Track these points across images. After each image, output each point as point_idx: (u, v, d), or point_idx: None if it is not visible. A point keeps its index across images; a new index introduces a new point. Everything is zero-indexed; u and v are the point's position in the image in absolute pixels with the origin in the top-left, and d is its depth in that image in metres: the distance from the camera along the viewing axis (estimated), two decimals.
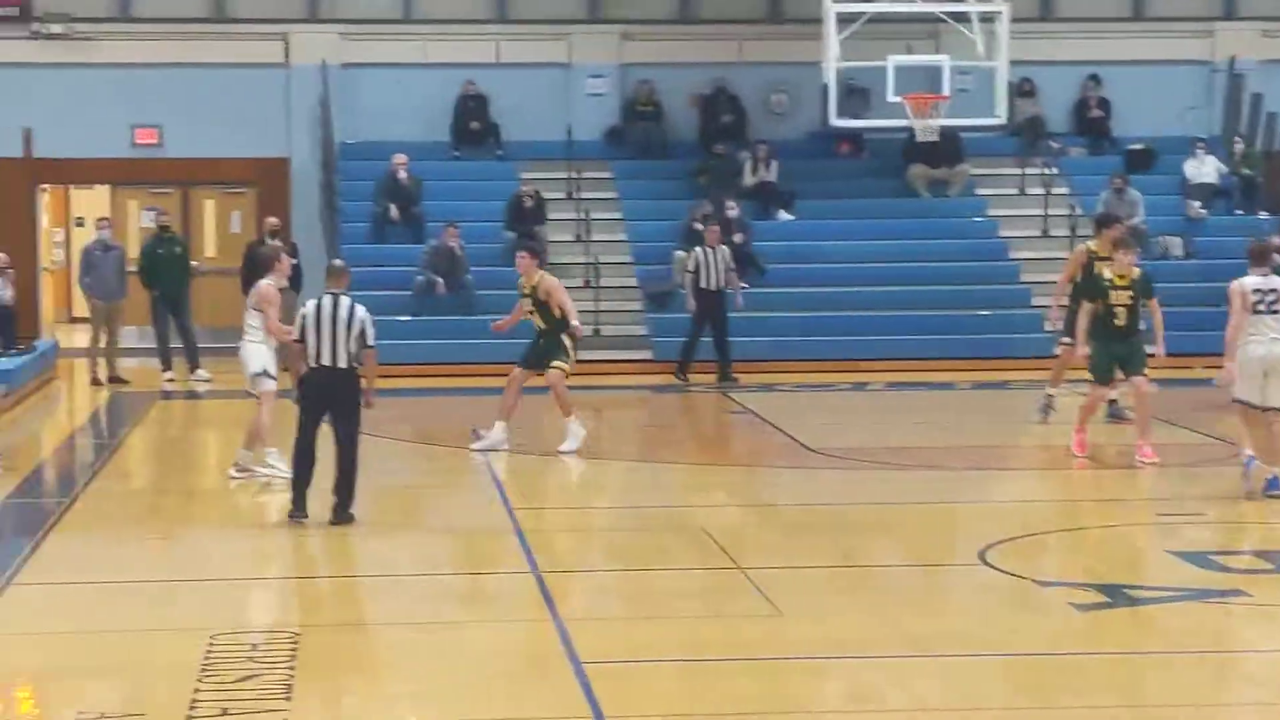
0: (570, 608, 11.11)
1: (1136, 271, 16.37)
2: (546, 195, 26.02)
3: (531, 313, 16.99)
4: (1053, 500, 15.68)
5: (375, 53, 27.81)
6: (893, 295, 25.23)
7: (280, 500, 14.08)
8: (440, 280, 24.50)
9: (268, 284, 15.35)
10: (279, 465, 15.13)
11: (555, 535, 13.95)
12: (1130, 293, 16.16)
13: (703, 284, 22.80)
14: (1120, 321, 16.12)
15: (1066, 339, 18.16)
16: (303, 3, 27.91)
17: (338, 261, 14.46)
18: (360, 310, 13.71)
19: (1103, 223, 18.71)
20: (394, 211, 25.87)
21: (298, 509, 13.68)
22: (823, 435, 18.38)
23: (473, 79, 27.54)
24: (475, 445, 17.30)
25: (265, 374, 15.40)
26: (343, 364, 13.59)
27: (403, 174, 25.99)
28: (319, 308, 13.65)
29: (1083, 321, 16.46)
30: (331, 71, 27.40)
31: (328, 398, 13.67)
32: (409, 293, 24.54)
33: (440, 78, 27.56)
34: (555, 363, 16.89)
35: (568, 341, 16.97)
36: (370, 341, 13.66)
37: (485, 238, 25.31)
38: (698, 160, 27.24)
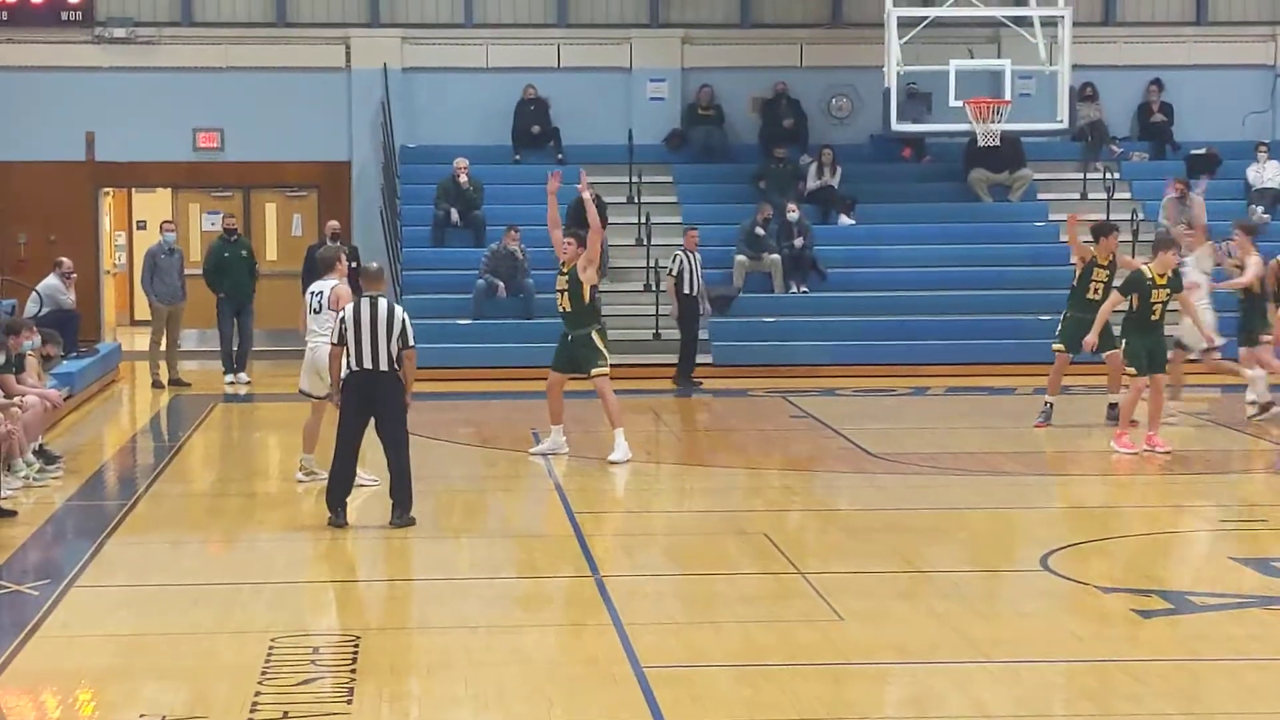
0: (631, 612, 11.11)
1: (1172, 270, 17.07)
2: (607, 199, 26.01)
3: (563, 292, 16.84)
4: (1114, 505, 15.59)
5: (436, 57, 27.93)
6: (954, 300, 25.16)
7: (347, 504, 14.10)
8: (501, 284, 24.56)
9: (343, 285, 15.37)
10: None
11: (615, 539, 13.96)
12: (1168, 290, 16.88)
13: (685, 289, 23.05)
14: (1155, 316, 16.85)
15: (1059, 345, 18.73)
16: (364, 6, 28.04)
17: (374, 264, 14.47)
18: (399, 311, 13.76)
19: (1100, 231, 18.86)
20: (454, 215, 25.96)
21: (336, 515, 13.71)
22: (883, 440, 18.34)
23: (533, 83, 27.62)
24: (535, 449, 17.34)
25: None
26: (384, 366, 13.62)
27: (464, 178, 26.07)
28: (357, 311, 13.69)
29: (1103, 319, 17.41)
30: (392, 75, 27.52)
31: (370, 400, 13.70)
32: (469, 296, 24.60)
33: (501, 82, 27.66)
34: (596, 369, 16.79)
35: (598, 340, 16.83)
36: (410, 342, 13.69)
37: (546, 241, 25.10)
38: (758, 164, 27.23)
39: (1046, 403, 18.93)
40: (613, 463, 16.71)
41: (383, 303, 13.76)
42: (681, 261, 23.23)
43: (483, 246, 25.42)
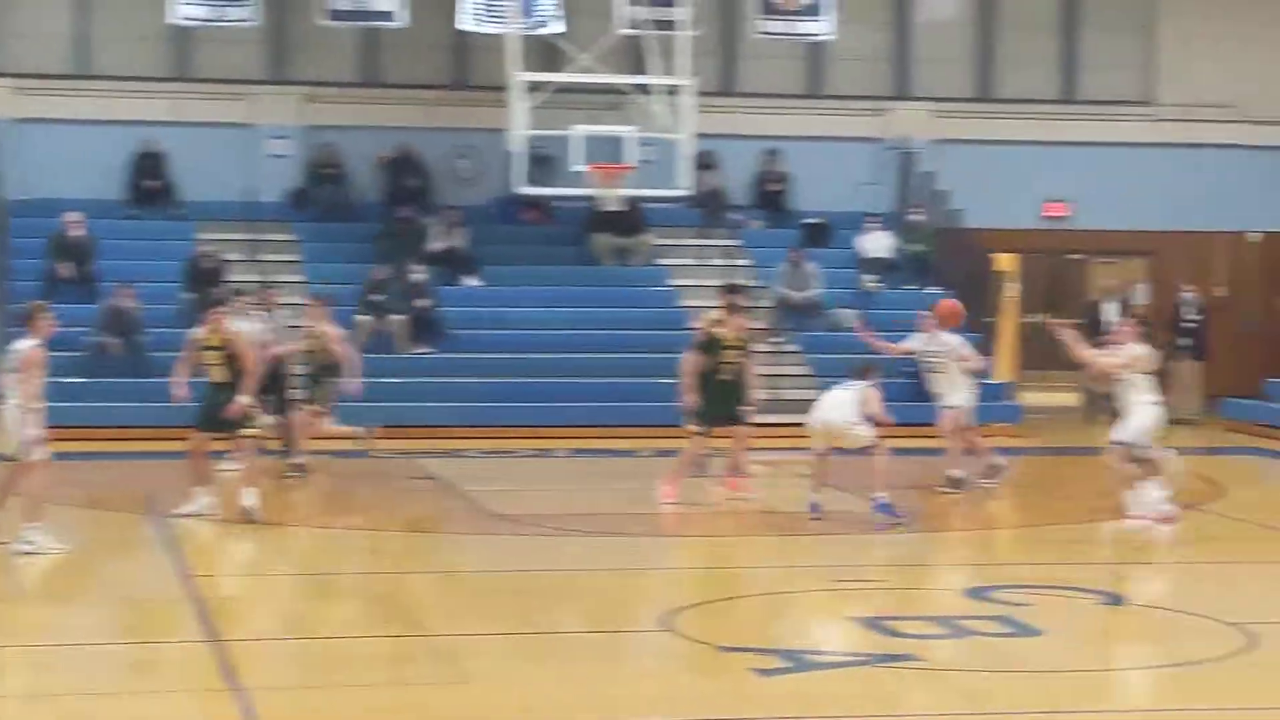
0: (252, 677, 10.87)
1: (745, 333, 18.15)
2: (227, 257, 25.62)
3: (215, 365, 16.80)
4: (736, 566, 15.85)
5: (49, 107, 27.18)
6: (577, 362, 25.37)
7: None
8: (114, 341, 23.92)
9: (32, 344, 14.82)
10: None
11: (235, 603, 13.66)
12: (740, 350, 17.94)
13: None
14: (727, 376, 17.83)
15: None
16: None
17: None
18: None
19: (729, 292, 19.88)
20: (66, 271, 25.22)
21: None
22: (507, 501, 18.35)
23: (150, 136, 27.04)
24: (183, 510, 16.88)
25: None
26: None
27: (76, 232, 25.36)
28: None
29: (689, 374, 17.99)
30: (3, 126, 26.68)
31: None
32: (81, 354, 23.90)
33: (117, 134, 27.06)
34: (248, 429, 16.85)
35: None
36: None
37: (162, 298, 24.81)
38: (382, 224, 27.10)
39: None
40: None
41: None
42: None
43: (95, 303, 24.73)
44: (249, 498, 16.63)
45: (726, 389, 18.04)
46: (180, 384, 17.16)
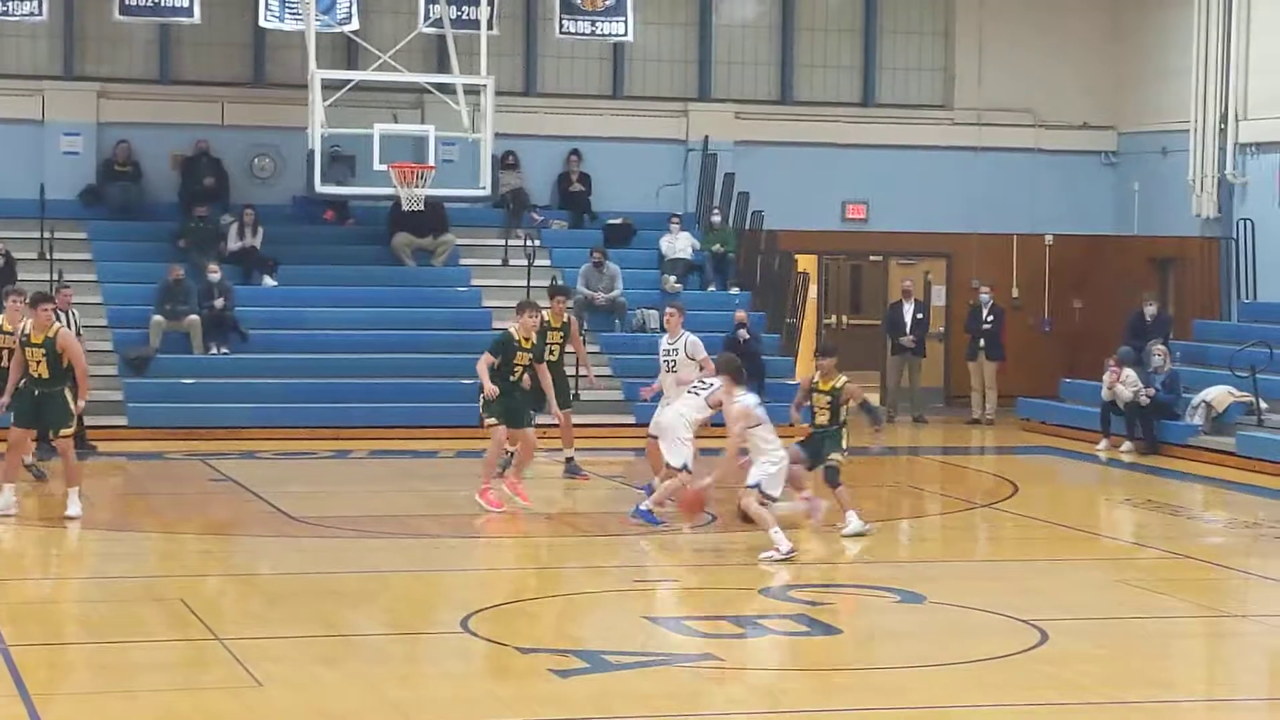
0: (39, 682, 10.62)
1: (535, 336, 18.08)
2: (18, 255, 25.06)
3: (39, 362, 16.69)
4: (534, 567, 15.82)
5: None
6: (377, 363, 25.16)
7: None
8: None
9: None
10: None
11: (21, 607, 13.34)
12: (530, 354, 17.86)
13: None
14: (514, 377, 17.75)
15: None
16: None
17: None
18: None
19: (556, 292, 20.39)
20: None
21: None
22: (305, 503, 18.16)
23: None
24: None
25: None
26: None
27: None
28: None
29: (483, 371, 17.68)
30: None
31: None
32: None
33: None
34: (66, 429, 16.78)
35: (70, 400, 16.74)
36: None
37: None
38: (178, 223, 26.68)
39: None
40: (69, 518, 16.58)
41: None
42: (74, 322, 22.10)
43: None
44: (74, 499, 16.61)
45: (524, 390, 17.95)
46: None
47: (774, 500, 15.49)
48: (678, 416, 17.17)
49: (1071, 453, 24.28)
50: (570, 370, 21.14)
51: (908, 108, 30.30)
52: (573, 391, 21.27)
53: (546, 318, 19.19)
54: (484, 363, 17.72)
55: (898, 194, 29.78)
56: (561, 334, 19.79)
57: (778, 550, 15.04)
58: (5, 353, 17.66)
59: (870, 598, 13.90)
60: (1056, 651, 12.00)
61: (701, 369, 18.37)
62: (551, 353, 19.46)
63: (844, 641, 12.36)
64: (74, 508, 16.66)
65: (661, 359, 19.01)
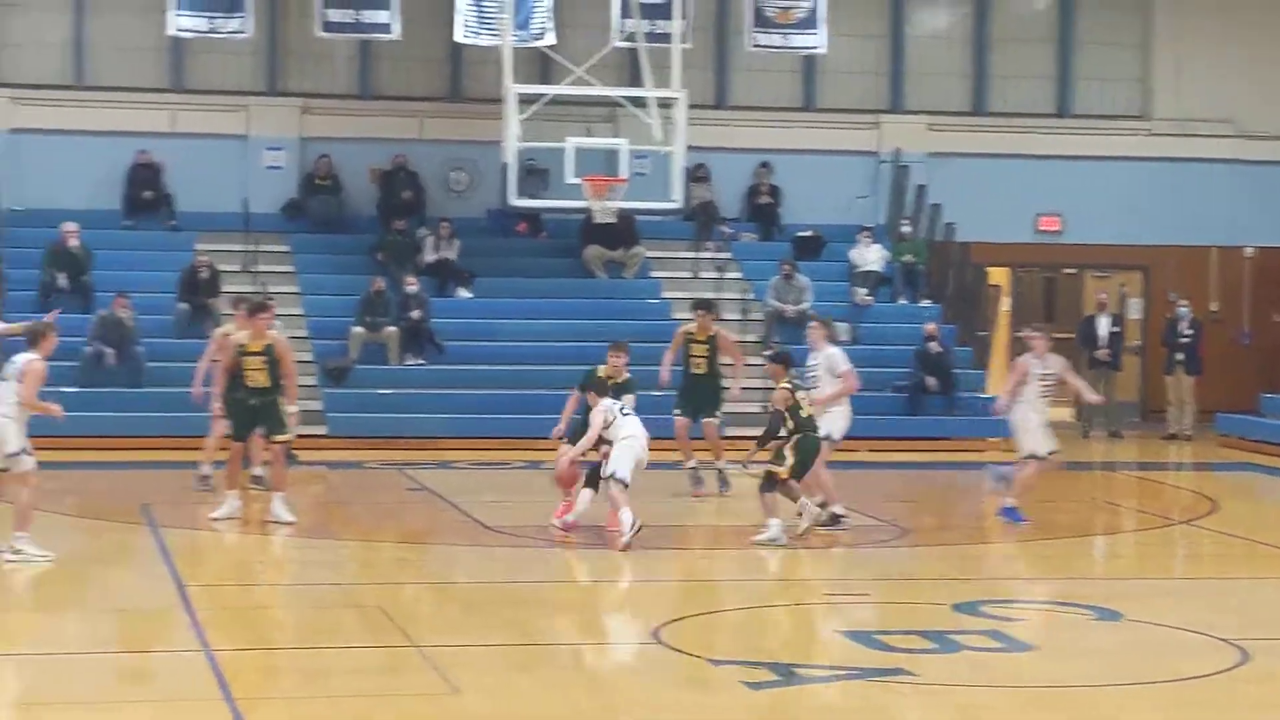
0: (242, 687, 10.88)
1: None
2: (222, 268, 25.66)
3: (256, 370, 17.23)
4: (725, 579, 15.86)
5: (46, 118, 27.19)
6: (569, 374, 25.17)
7: None
8: (109, 351, 23.94)
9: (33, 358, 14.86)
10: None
11: (228, 612, 13.66)
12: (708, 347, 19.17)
13: None
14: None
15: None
16: None
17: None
18: None
19: (699, 306, 20.68)
20: (62, 281, 25.24)
21: None
22: (499, 513, 18.36)
23: (146, 148, 27.08)
24: (216, 514, 17.15)
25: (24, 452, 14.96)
26: None
27: (73, 242, 25.40)
28: None
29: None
30: None
31: None
32: (76, 364, 23.91)
33: (112, 145, 27.11)
34: (281, 435, 17.34)
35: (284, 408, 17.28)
36: None
37: (157, 309, 24.85)
38: (376, 236, 27.13)
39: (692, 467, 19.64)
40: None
41: None
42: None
43: (91, 313, 24.76)
44: (280, 503, 17.05)
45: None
46: (201, 388, 17.92)
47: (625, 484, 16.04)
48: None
49: (1272, 469, 23.85)
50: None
51: (1104, 118, 29.97)
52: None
53: (692, 330, 19.82)
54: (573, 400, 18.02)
55: (1093, 206, 29.46)
56: (707, 347, 19.87)
57: (627, 529, 15.77)
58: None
59: (1065, 614, 13.78)
60: (1259, 671, 11.81)
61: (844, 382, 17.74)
62: (697, 365, 19.84)
63: (1039, 658, 12.26)
64: (281, 513, 17.02)
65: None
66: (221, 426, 17.99)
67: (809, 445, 16.46)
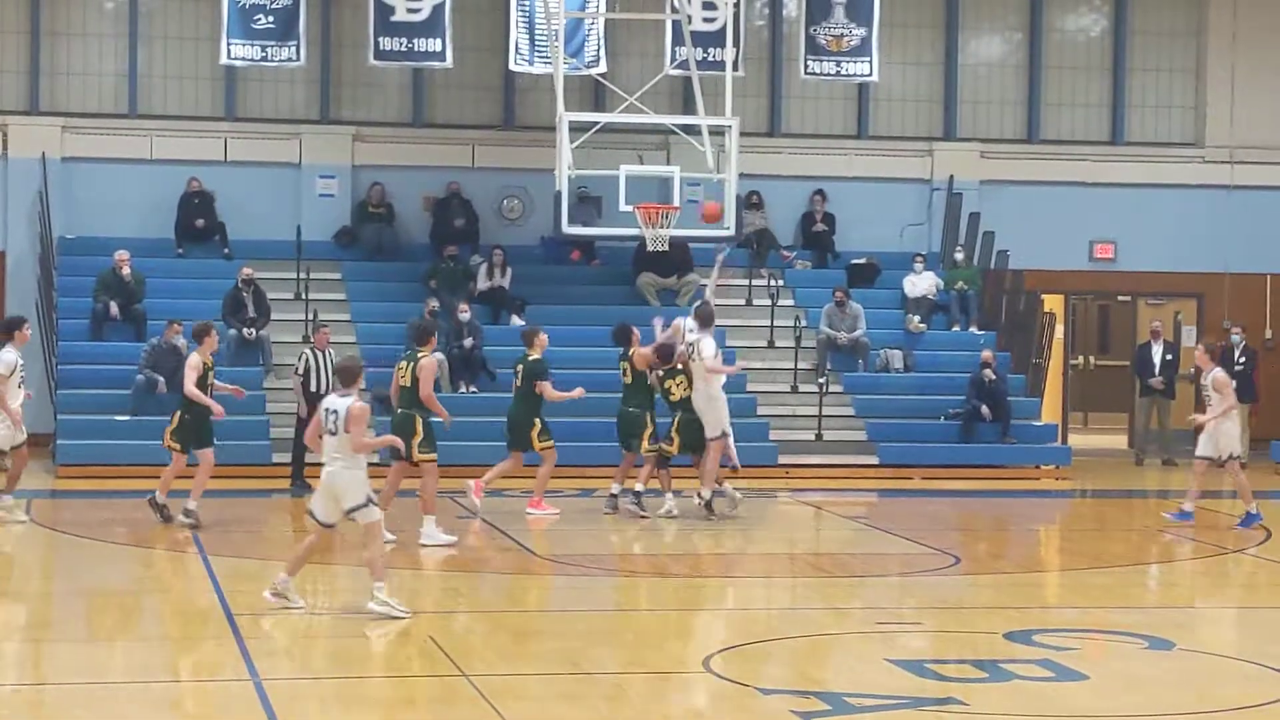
0: (292, 715, 10.88)
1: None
2: (275, 296, 25.73)
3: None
4: (774, 608, 15.81)
5: (98, 146, 27.36)
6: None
7: None
8: (161, 379, 24.02)
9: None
10: None
11: (276, 641, 13.67)
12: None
13: (311, 387, 22.25)
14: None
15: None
16: (23, 93, 27.39)
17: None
18: None
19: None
20: (114, 309, 25.37)
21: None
22: (550, 541, 18.34)
23: (198, 176, 27.22)
24: (426, 540, 17.76)
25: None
26: None
27: (125, 270, 25.53)
28: None
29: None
30: (51, 164, 26.89)
31: None
32: (129, 391, 24.01)
33: (165, 173, 27.24)
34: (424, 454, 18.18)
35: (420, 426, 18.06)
36: None
37: None
38: (429, 263, 27.19)
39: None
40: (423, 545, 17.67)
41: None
42: (309, 360, 22.65)
43: (143, 341, 24.86)
44: (430, 526, 17.76)
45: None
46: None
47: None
48: None
49: None
50: None
51: (1158, 145, 29.84)
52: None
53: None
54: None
55: (1147, 233, 29.33)
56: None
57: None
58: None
59: (1117, 643, 13.67)
60: None
61: None
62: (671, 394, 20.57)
63: (1091, 688, 12.17)
64: (431, 535, 17.73)
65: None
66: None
67: (685, 425, 19.77)
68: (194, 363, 18.79)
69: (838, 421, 25.45)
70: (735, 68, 25.47)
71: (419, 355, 18.04)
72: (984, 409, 25.48)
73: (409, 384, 18.01)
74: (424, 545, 17.56)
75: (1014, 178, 29.20)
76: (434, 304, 25.50)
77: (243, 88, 27.92)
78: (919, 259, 27.97)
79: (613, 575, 16.58)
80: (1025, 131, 29.75)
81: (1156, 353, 27.78)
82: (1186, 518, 20.15)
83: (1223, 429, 20.39)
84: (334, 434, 14.00)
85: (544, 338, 20.27)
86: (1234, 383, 21.09)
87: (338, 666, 12.85)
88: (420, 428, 17.89)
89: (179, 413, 18.99)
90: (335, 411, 14.05)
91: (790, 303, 27.39)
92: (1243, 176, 29.49)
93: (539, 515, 19.90)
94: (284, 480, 22.14)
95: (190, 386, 18.65)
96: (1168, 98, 29.91)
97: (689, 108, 26.37)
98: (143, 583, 16.34)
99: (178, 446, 18.97)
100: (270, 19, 25.36)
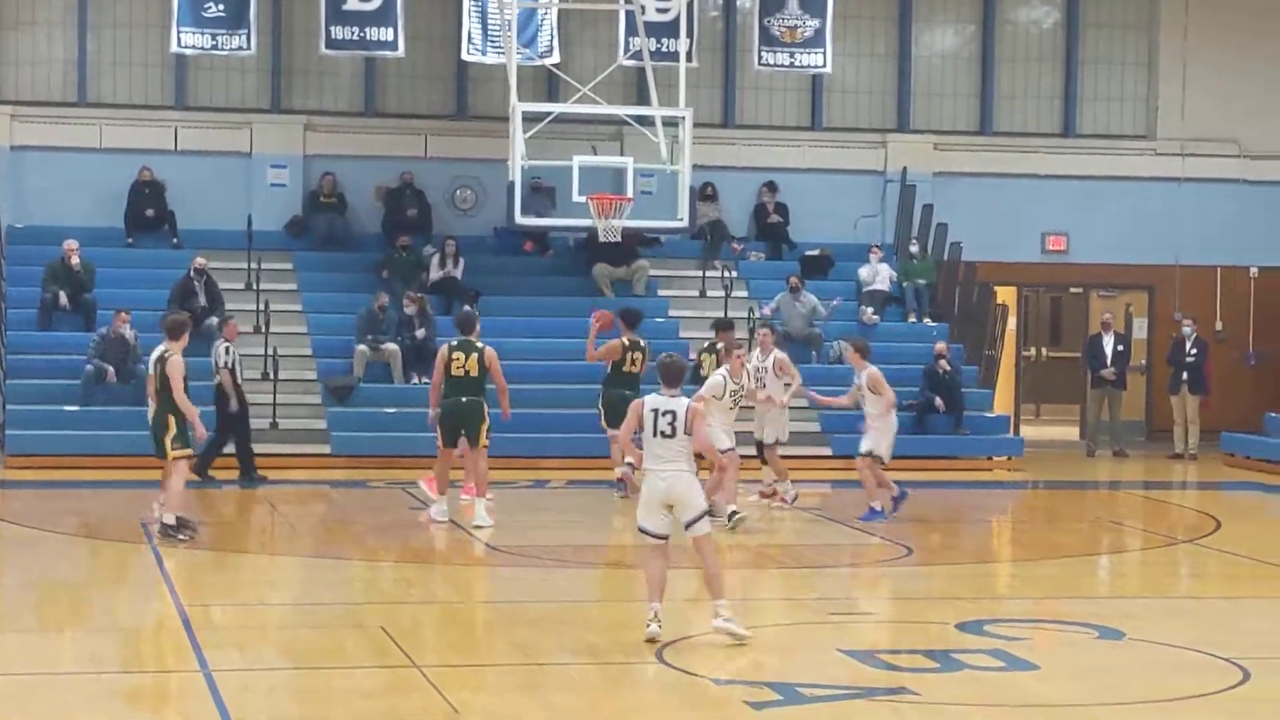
0: (241, 708, 10.82)
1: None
2: (226, 286, 25.60)
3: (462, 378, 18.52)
4: (730, 598, 15.75)
5: (47, 135, 27.18)
6: (576, 393, 25.25)
7: None
8: (111, 369, 23.89)
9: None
10: None
11: (227, 632, 13.60)
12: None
13: (239, 381, 22.25)
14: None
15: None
16: None
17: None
18: None
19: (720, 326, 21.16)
20: (63, 298, 25.21)
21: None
22: (503, 532, 18.30)
23: (149, 165, 27.06)
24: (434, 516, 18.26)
25: None
26: None
27: (74, 260, 25.36)
28: None
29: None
30: (1, 154, 26.69)
31: None
32: (78, 382, 23.87)
33: (115, 163, 27.08)
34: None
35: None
36: None
37: (157, 326, 24.74)
38: (381, 254, 27.09)
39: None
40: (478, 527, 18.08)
41: None
42: (233, 352, 22.42)
43: (93, 330, 24.72)
44: (481, 509, 18.28)
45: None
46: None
47: None
48: None
49: (1277, 488, 23.79)
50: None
51: (1109, 138, 29.96)
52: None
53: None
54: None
55: (1099, 225, 29.45)
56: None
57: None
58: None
59: (1068, 633, 13.71)
60: (1260, 691, 11.75)
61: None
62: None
63: (1041, 677, 12.19)
64: (481, 517, 18.13)
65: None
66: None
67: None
68: (179, 367, 17.08)
69: (791, 413, 25.42)
70: (689, 58, 25.45)
71: (476, 345, 18.52)
72: (937, 400, 25.54)
73: (475, 373, 18.44)
74: (477, 527, 17.97)
75: (967, 170, 29.28)
76: (385, 297, 25.41)
77: (193, 76, 27.77)
78: (875, 250, 27.99)
79: (565, 566, 16.55)
80: (978, 124, 29.83)
81: (1108, 344, 27.88)
82: (877, 516, 19.05)
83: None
84: (671, 436, 12.92)
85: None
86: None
87: (288, 658, 12.79)
88: (486, 414, 18.46)
89: (170, 416, 17.25)
90: (672, 412, 12.93)
91: (744, 294, 27.40)
92: (1194, 169, 29.63)
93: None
94: (233, 471, 22.03)
95: (180, 395, 17.00)
96: (1119, 90, 30.02)
97: (643, 98, 26.33)
98: (92, 573, 16.24)
99: (188, 451, 17.59)
100: (221, 7, 25.20)
